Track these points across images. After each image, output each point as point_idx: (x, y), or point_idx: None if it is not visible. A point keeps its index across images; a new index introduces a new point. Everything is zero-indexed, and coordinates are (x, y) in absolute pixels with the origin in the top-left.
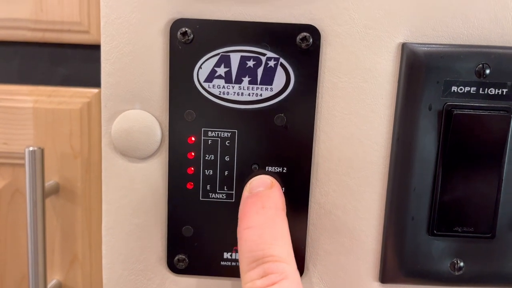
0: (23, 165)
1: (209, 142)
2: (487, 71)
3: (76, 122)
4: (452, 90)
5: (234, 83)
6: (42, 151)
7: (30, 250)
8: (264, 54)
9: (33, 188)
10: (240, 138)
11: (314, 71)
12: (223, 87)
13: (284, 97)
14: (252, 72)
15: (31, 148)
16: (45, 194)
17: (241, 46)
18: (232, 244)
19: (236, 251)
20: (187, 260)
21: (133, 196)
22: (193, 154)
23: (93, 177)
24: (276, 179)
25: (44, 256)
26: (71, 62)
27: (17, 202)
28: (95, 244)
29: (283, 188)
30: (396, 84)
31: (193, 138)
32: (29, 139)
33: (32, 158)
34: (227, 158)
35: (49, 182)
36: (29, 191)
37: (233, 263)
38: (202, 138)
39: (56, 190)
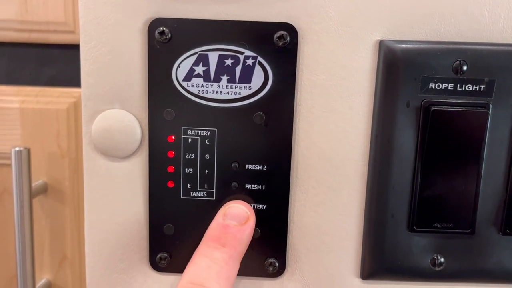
0: (10, 165)
1: (189, 140)
2: (464, 68)
3: (63, 121)
4: (429, 87)
5: (213, 82)
6: (28, 151)
7: (18, 250)
8: (242, 53)
9: (20, 188)
10: (219, 136)
11: (292, 69)
12: (202, 85)
13: (263, 95)
14: (230, 71)
15: (17, 148)
16: (33, 194)
17: (219, 44)
18: None
19: None
20: (169, 258)
21: (115, 195)
22: (173, 152)
23: (81, 176)
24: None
25: (32, 256)
26: (58, 62)
27: (6, 202)
28: (84, 243)
29: (263, 186)
30: (374, 81)
31: (173, 137)
32: (16, 139)
33: (19, 158)
34: (207, 157)
35: (37, 182)
36: (16, 191)
37: None
38: (182, 136)
39: (44, 189)
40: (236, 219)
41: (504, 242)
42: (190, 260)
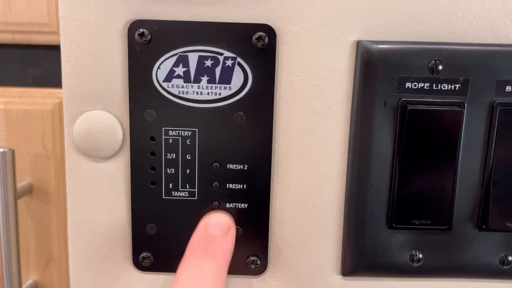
0: None
1: (170, 141)
2: (440, 67)
3: (48, 122)
4: (406, 86)
5: (193, 83)
6: (12, 152)
7: (4, 251)
8: (221, 54)
9: (5, 189)
10: (200, 136)
11: (271, 70)
12: (182, 86)
13: (243, 96)
14: (210, 72)
15: (1, 150)
16: (18, 195)
17: (199, 46)
18: None
19: None
20: (152, 258)
21: (97, 195)
22: (154, 153)
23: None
24: (234, 215)
25: (18, 257)
26: (42, 63)
27: None
28: None
29: (244, 185)
30: (351, 82)
31: (154, 137)
32: (1, 140)
33: (3, 160)
34: (188, 157)
35: (22, 183)
36: (0, 192)
37: None
38: (163, 137)
39: (29, 190)
40: (219, 228)
41: (480, 237)
42: (177, 277)
